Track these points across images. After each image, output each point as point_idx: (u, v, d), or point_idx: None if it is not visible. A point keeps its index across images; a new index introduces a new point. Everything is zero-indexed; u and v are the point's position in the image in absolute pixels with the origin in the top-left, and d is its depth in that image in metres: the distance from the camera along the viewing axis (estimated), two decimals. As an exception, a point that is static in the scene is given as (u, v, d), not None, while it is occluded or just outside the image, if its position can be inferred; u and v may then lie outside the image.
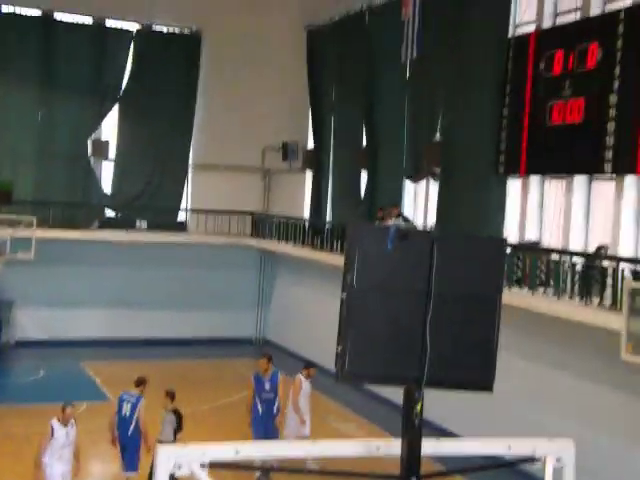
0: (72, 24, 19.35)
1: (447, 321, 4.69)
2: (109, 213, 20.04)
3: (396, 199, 15.68)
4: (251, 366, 13.48)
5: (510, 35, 13.53)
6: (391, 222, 5.81)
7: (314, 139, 19.42)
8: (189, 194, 20.49)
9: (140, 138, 19.79)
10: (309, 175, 19.72)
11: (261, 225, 19.93)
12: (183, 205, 20.49)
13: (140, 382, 10.49)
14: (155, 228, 19.62)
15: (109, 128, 19.88)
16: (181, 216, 20.57)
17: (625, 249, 11.21)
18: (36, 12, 19.08)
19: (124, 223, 19.50)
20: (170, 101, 19.85)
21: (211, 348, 19.01)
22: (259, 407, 11.29)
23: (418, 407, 4.51)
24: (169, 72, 19.82)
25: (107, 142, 19.65)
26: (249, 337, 20.23)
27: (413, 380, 4.56)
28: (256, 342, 20.17)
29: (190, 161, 20.44)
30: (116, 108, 19.80)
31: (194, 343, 19.28)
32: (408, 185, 16.26)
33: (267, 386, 11.29)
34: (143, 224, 19.82)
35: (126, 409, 10.22)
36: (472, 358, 4.66)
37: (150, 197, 19.92)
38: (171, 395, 10.45)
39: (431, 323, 4.63)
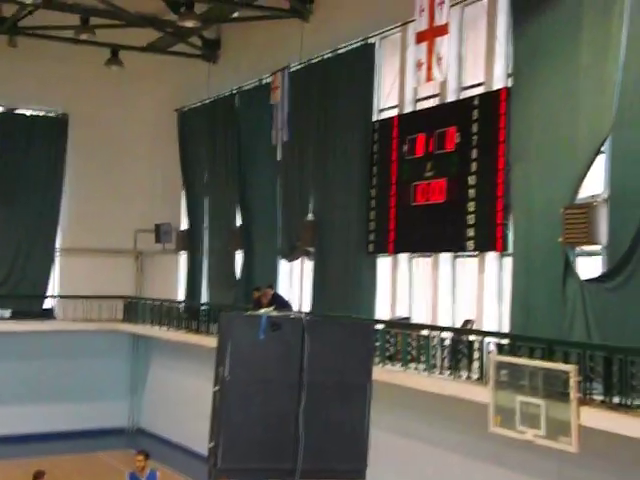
0: None
1: (319, 411, 4.76)
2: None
3: (272, 279, 15.79)
4: (123, 458, 13.03)
5: (375, 119, 14.13)
6: (264, 310, 5.85)
7: (188, 220, 19.40)
8: (57, 280, 19.87)
9: (4, 223, 19.12)
10: (183, 256, 19.61)
11: (134, 309, 19.48)
12: (50, 291, 19.81)
13: (37, 476, 10.18)
14: (19, 317, 18.78)
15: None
16: (48, 303, 19.85)
17: (489, 323, 11.70)
18: None
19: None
20: (35, 185, 19.35)
21: (81, 441, 18.17)
22: (134, 510, 10.79)
23: (292, 501, 4.52)
24: (34, 155, 19.39)
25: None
26: (121, 427, 19.50)
27: (287, 473, 4.58)
28: (129, 432, 19.46)
29: (58, 245, 19.89)
30: None
31: (63, 437, 18.34)
32: (283, 264, 16.43)
33: None
34: (6, 313, 18.97)
35: None
36: (344, 447, 4.73)
37: (14, 284, 19.14)
38: None
39: (304, 414, 4.69)
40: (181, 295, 19.25)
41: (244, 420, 4.61)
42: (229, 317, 5.36)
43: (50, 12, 16.75)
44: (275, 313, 5.53)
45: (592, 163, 9.93)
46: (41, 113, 19.93)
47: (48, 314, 19.54)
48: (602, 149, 9.87)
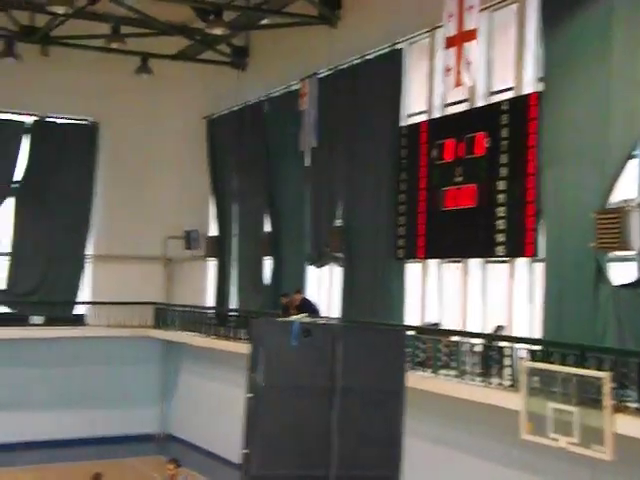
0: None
1: (352, 417, 4.75)
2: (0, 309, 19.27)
3: (300, 285, 15.80)
4: (153, 465, 13.08)
5: (403, 124, 14.10)
6: (295, 316, 5.86)
7: (217, 226, 19.49)
8: (88, 286, 20.05)
9: (36, 231, 19.38)
10: (212, 263, 19.69)
11: (164, 315, 19.59)
12: (81, 298, 19.97)
13: (96, 477, 10.28)
14: (52, 323, 19.01)
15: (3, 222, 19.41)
16: (80, 309, 20.02)
17: (520, 329, 11.61)
18: None
19: (17, 319, 18.83)
20: (67, 193, 19.59)
21: (112, 447, 18.30)
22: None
23: (326, 508, 4.51)
24: (66, 163, 19.59)
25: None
26: (152, 433, 19.58)
27: (320, 479, 4.57)
28: (159, 438, 19.55)
29: (89, 252, 20.08)
30: (12, 201, 19.39)
31: (94, 442, 18.52)
32: (312, 271, 16.43)
33: None
34: (38, 319, 19.20)
35: None
36: (378, 453, 4.71)
37: (46, 291, 19.36)
38: None
39: (337, 420, 4.68)
40: (210, 301, 19.32)
41: (277, 426, 4.61)
42: (261, 324, 5.37)
43: (81, 21, 16.98)
44: (307, 319, 5.53)
45: (624, 167, 9.82)
46: (72, 121, 20.14)
47: (79, 320, 19.73)
48: (635, 153, 9.77)
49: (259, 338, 5.08)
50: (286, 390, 4.70)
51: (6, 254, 19.37)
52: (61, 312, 19.59)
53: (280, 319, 5.70)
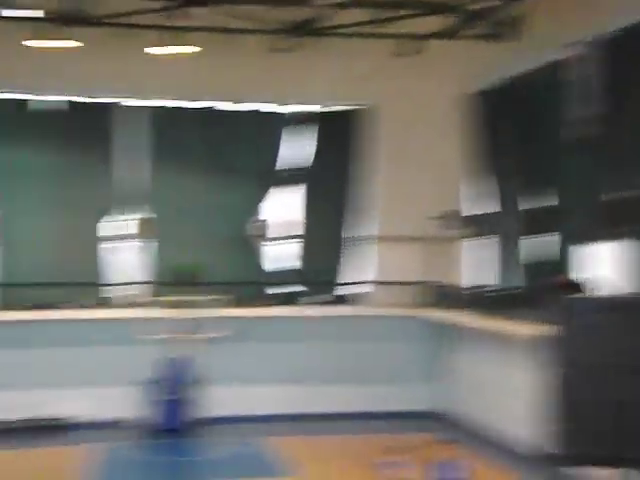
0: (235, 112, 20.19)
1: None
2: (274, 290, 20.42)
3: (566, 263, 15.12)
4: (427, 442, 13.07)
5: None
6: (584, 293, 5.58)
7: (492, 204, 19.16)
8: (365, 266, 20.68)
9: (320, 215, 20.63)
10: (472, 242, 19.45)
11: (434, 295, 19.65)
12: (358, 278, 20.65)
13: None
14: (328, 302, 20.00)
15: (291, 208, 20.71)
16: (356, 289, 20.70)
17: None
18: (210, 104, 20.05)
19: (291, 299, 20.02)
20: (345, 177, 20.50)
21: (382, 422, 18.78)
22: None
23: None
24: (344, 150, 20.50)
25: (265, 222, 20.38)
26: (422, 410, 19.76)
27: (627, 462, 4.27)
28: (431, 416, 19.64)
29: (364, 233, 20.70)
30: (300, 189, 20.70)
31: (366, 417, 19.15)
32: (581, 248, 15.58)
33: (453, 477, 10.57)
34: (316, 299, 20.21)
35: None
36: None
37: (327, 271, 20.44)
38: None
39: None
40: (477, 280, 19.09)
41: (589, 405, 4.41)
42: (567, 301, 5.16)
43: (341, 10, 17.37)
44: (607, 295, 5.22)
45: None
46: (347, 108, 20.75)
47: (354, 300, 20.43)
48: None
49: (565, 315, 4.87)
50: (591, 368, 4.48)
51: (299, 237, 20.67)
52: (338, 291, 20.47)
53: (581, 296, 5.44)
